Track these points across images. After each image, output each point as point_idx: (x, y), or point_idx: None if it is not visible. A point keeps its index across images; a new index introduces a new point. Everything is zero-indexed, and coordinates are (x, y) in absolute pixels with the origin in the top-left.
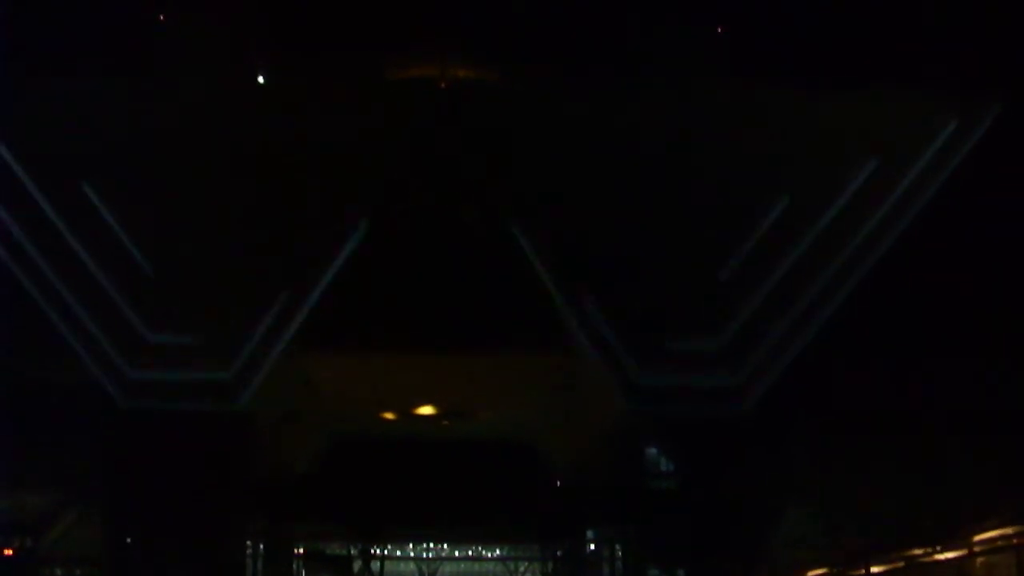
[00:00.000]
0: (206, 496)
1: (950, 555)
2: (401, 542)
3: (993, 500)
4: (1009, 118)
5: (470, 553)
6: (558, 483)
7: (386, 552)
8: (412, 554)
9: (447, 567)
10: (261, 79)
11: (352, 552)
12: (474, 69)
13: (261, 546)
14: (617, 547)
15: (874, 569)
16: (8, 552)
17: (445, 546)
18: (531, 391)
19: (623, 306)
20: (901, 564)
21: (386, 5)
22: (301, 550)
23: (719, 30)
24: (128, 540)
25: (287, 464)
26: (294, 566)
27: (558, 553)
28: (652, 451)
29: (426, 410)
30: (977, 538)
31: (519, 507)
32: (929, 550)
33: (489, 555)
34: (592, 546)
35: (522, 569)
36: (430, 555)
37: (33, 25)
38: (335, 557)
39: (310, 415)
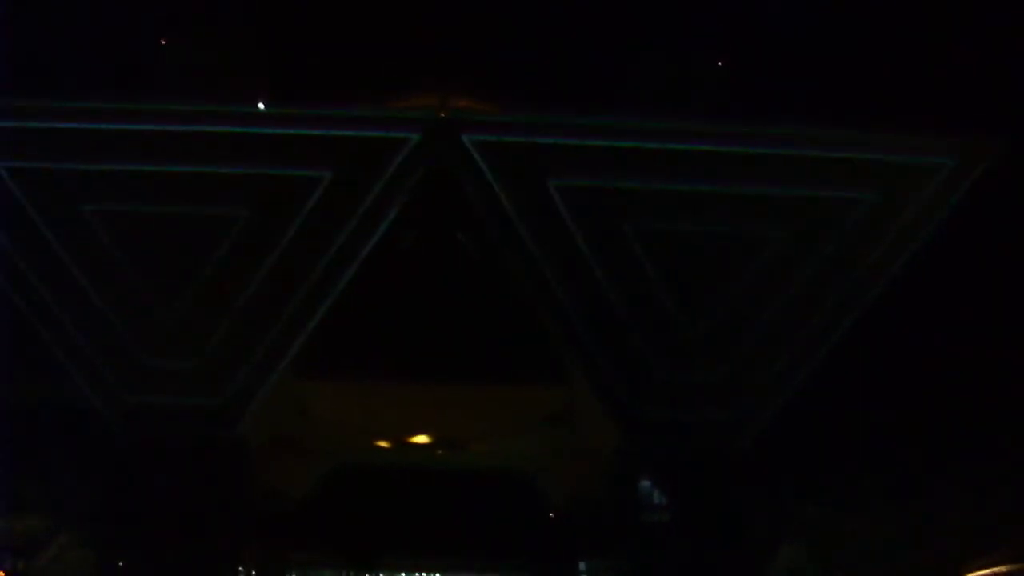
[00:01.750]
0: (200, 521)
1: None
2: (394, 571)
3: (988, 538)
4: (1008, 157)
5: None
6: (552, 515)
7: None
8: None
9: None
10: (261, 105)
11: None
12: (474, 100)
13: (253, 572)
14: None
15: None
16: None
17: None
18: (526, 422)
19: (619, 339)
20: None
21: (388, 38)
22: None
23: (719, 64)
24: (120, 564)
25: (281, 491)
26: None
27: None
28: (647, 484)
29: (421, 439)
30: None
31: (513, 538)
32: None
33: None
34: None
35: None
36: None
37: (33, 47)
38: None
39: (305, 443)
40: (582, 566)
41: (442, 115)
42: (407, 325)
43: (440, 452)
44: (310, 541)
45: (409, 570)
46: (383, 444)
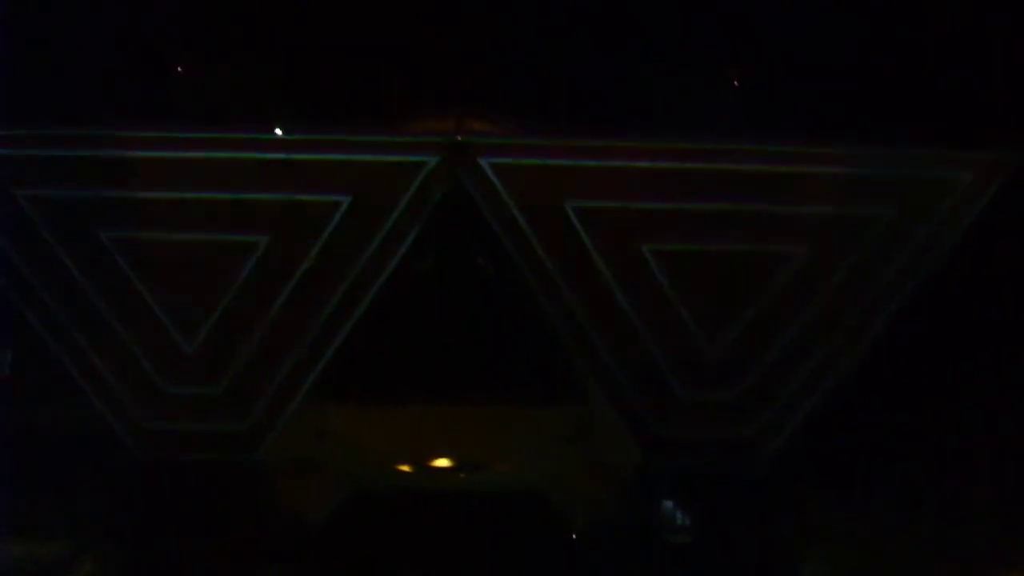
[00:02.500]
0: (220, 545)
1: None
2: None
3: (1018, 552)
4: None
5: None
6: (573, 535)
7: None
8: None
9: None
10: (279, 132)
11: None
12: (491, 123)
13: None
14: None
15: None
16: None
17: None
18: (548, 442)
19: (639, 358)
20: None
21: (405, 63)
22: None
23: (734, 83)
24: None
25: (302, 515)
26: None
27: None
28: (668, 504)
29: (442, 462)
30: None
31: (535, 559)
32: None
33: None
34: None
35: None
36: None
37: (45, 73)
38: None
39: (326, 466)
40: None
41: (459, 138)
42: (426, 347)
43: (462, 475)
44: (331, 564)
45: None
46: (405, 467)
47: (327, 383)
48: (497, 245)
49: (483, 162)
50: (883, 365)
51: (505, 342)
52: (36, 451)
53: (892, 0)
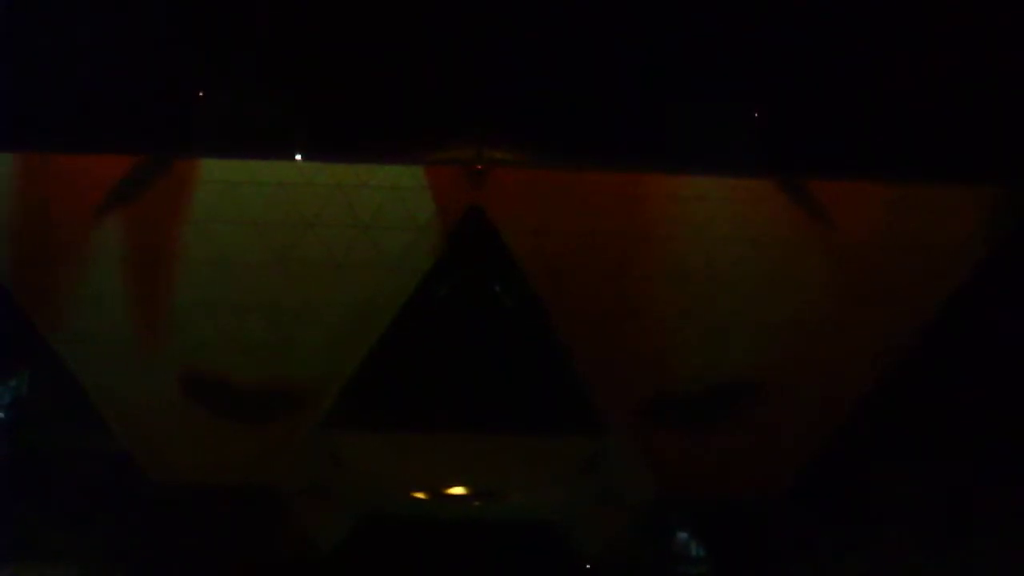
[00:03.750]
0: (232, 571)
1: None
2: None
3: None
4: None
5: None
6: (588, 566)
7: None
8: None
9: None
10: (299, 156)
11: None
12: (509, 151)
13: None
14: None
15: None
16: None
17: None
18: (562, 472)
19: (654, 388)
20: None
21: (425, 89)
22: None
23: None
24: None
25: (314, 541)
26: None
27: None
28: (683, 535)
29: (457, 490)
30: None
31: None
32: None
33: None
34: None
35: None
36: None
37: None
38: None
39: (338, 493)
40: None
41: (479, 167)
42: (442, 375)
43: (477, 503)
44: None
45: None
46: (419, 495)
47: (341, 410)
48: (516, 273)
49: (502, 188)
50: (898, 398)
51: (522, 372)
52: (50, 474)
53: None
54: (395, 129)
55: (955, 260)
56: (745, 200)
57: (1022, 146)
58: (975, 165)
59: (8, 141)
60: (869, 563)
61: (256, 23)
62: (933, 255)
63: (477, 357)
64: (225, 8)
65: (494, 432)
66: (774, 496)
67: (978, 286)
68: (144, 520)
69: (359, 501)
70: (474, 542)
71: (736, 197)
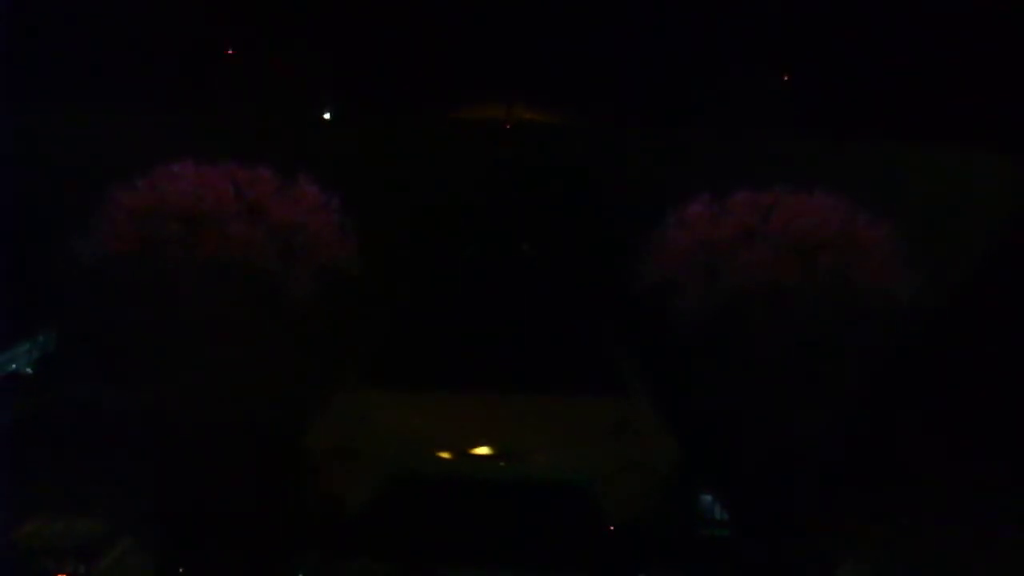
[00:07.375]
0: (260, 529)
1: None
2: None
3: None
4: None
5: None
6: (612, 527)
7: None
8: None
9: None
10: (328, 115)
11: None
12: (538, 111)
13: None
14: None
15: None
16: None
17: None
18: (588, 433)
19: (682, 351)
20: None
21: (455, 51)
22: None
23: (785, 78)
24: (180, 571)
25: (341, 501)
26: None
27: None
28: (707, 498)
29: (483, 451)
30: None
31: (573, 550)
32: None
33: None
34: None
35: None
36: None
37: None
38: None
39: (365, 453)
40: None
41: (508, 127)
42: (470, 335)
43: (502, 464)
44: (369, 551)
45: None
46: (444, 455)
47: (370, 370)
48: (543, 234)
49: (530, 149)
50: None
51: (549, 332)
52: (78, 427)
53: None
54: (426, 90)
55: None
56: None
57: None
58: None
59: None
60: (896, 530)
61: None
62: None
63: (506, 318)
64: None
65: (524, 392)
66: (799, 453)
67: None
68: (176, 477)
69: (387, 461)
70: (499, 502)
71: None
